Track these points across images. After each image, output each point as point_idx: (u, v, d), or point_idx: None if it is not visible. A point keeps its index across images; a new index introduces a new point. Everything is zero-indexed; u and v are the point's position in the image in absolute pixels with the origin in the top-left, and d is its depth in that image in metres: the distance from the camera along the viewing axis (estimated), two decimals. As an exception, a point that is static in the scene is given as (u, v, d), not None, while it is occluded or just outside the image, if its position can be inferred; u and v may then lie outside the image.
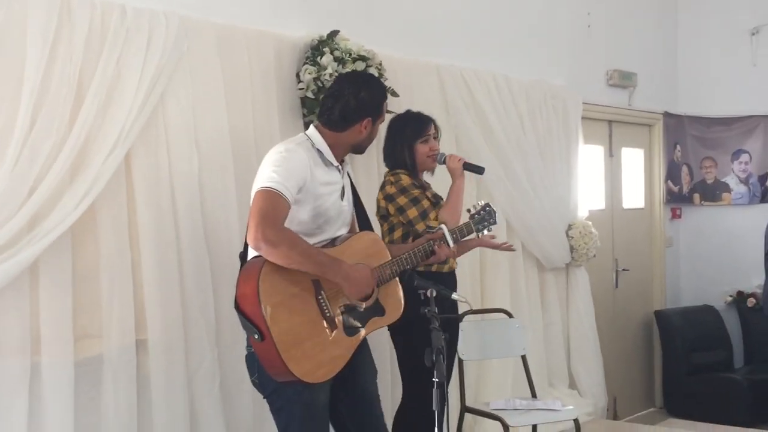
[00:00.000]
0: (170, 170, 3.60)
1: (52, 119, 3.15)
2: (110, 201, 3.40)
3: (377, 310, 3.14)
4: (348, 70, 4.03)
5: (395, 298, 3.24)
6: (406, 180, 3.83)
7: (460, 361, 4.44)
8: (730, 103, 7.21)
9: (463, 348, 4.38)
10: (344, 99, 3.12)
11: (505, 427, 4.10)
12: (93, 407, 3.38)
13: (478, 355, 4.50)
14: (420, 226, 3.73)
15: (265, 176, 2.91)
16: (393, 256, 3.25)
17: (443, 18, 5.14)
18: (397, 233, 3.85)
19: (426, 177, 4.03)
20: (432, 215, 3.76)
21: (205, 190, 3.73)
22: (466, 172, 3.93)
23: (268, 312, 2.78)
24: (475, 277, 5.18)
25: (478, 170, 4.00)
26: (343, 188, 3.17)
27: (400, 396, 3.94)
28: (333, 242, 3.12)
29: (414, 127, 3.91)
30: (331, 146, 3.12)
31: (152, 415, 3.53)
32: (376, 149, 4.34)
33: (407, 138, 3.89)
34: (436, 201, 3.90)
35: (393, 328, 3.59)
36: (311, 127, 3.20)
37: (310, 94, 4.06)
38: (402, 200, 3.79)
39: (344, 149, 3.18)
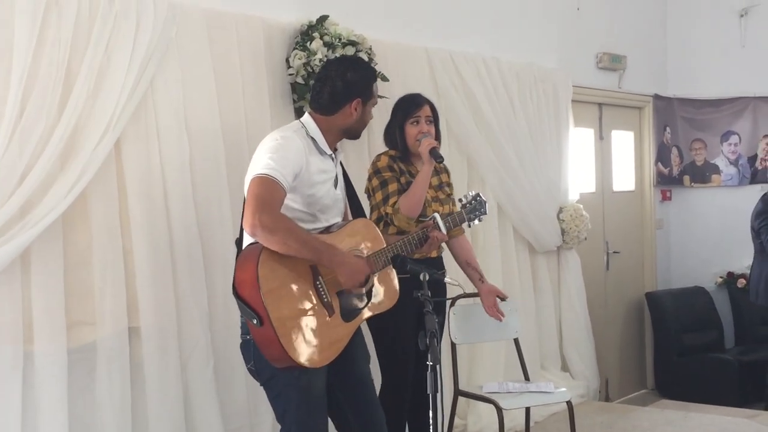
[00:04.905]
0: (161, 156, 3.59)
1: (42, 105, 3.13)
2: (101, 188, 3.39)
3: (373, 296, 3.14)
4: (337, 55, 4.02)
5: (390, 285, 3.24)
6: (383, 161, 3.83)
7: (453, 345, 4.44)
8: (719, 85, 7.22)
9: (455, 332, 4.39)
10: (331, 81, 3.11)
11: (499, 409, 4.11)
12: (87, 394, 3.38)
13: (470, 338, 4.50)
14: (385, 209, 3.70)
15: (261, 163, 2.88)
16: (388, 243, 3.25)
17: (432, 1, 5.12)
18: (374, 215, 3.78)
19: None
20: (391, 201, 3.71)
21: (196, 175, 3.71)
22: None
23: (267, 297, 2.77)
24: (467, 261, 5.18)
25: (438, 158, 3.72)
26: (336, 177, 3.16)
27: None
28: (328, 229, 3.11)
29: (405, 108, 3.90)
30: (324, 132, 3.10)
31: (146, 401, 3.53)
32: (366, 134, 4.31)
33: (398, 119, 3.89)
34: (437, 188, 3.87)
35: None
36: (306, 114, 3.18)
37: (300, 80, 4.04)
38: (374, 182, 3.80)
39: (337, 135, 3.16)
